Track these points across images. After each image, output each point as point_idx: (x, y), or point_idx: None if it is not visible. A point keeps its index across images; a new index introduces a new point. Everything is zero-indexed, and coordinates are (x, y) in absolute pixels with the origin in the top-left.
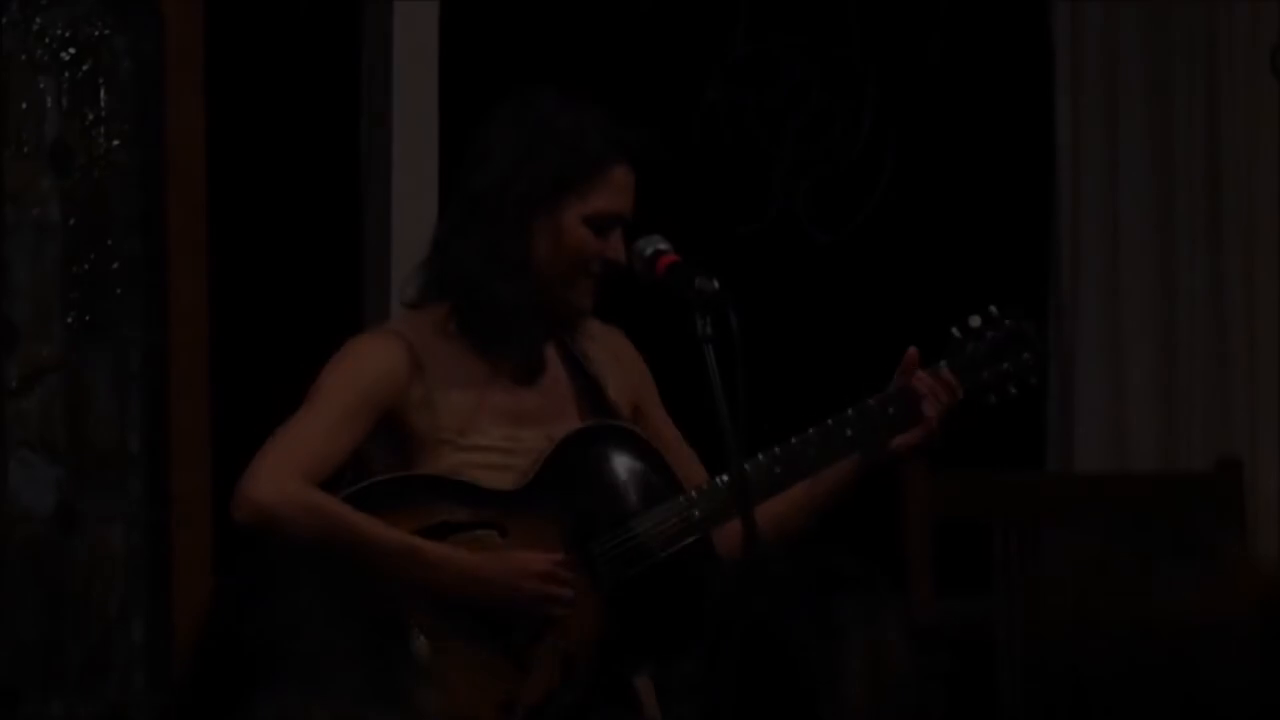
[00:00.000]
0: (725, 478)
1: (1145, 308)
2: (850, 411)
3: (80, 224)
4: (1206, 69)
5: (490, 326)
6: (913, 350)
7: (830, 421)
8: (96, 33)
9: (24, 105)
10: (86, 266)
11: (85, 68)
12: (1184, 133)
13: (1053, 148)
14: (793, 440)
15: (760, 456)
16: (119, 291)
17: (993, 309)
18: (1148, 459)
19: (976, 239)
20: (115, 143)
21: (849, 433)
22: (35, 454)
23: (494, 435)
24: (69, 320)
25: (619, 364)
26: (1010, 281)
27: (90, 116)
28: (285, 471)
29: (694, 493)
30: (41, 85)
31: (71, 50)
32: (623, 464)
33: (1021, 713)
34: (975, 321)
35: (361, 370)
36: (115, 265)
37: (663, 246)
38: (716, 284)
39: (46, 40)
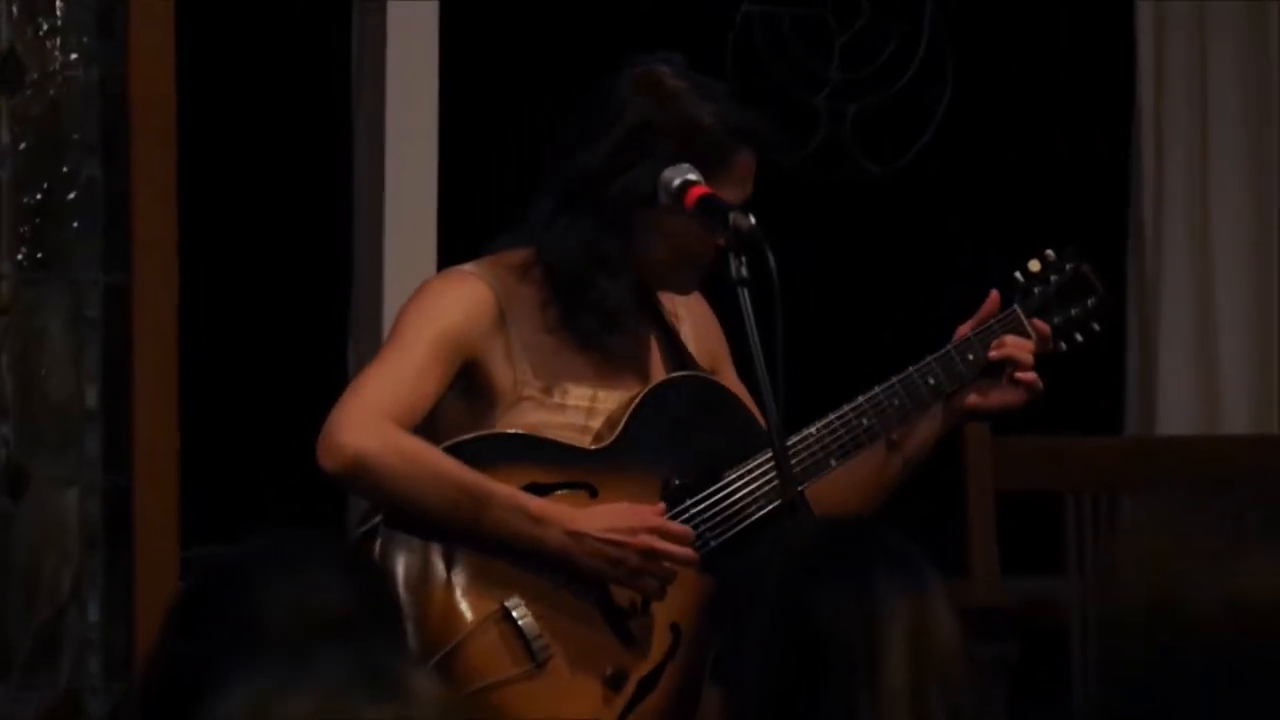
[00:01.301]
0: (816, 428)
1: (1238, 249)
2: (931, 360)
3: (32, 148)
4: None
5: (587, 319)
6: (994, 294)
7: (912, 369)
8: None
9: None
10: (39, 196)
11: None
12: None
13: (1133, 67)
14: (875, 389)
15: (846, 407)
16: (75, 225)
17: (1049, 252)
18: (1239, 421)
19: (1046, 173)
20: (73, 56)
21: (931, 382)
22: None
23: (577, 394)
24: (18, 258)
25: (698, 323)
26: (1084, 220)
27: (44, 26)
28: (378, 416)
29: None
30: None
31: None
32: (711, 417)
33: (1097, 704)
34: (1034, 265)
35: (446, 312)
36: (71, 195)
37: (693, 177)
38: (752, 220)
39: None
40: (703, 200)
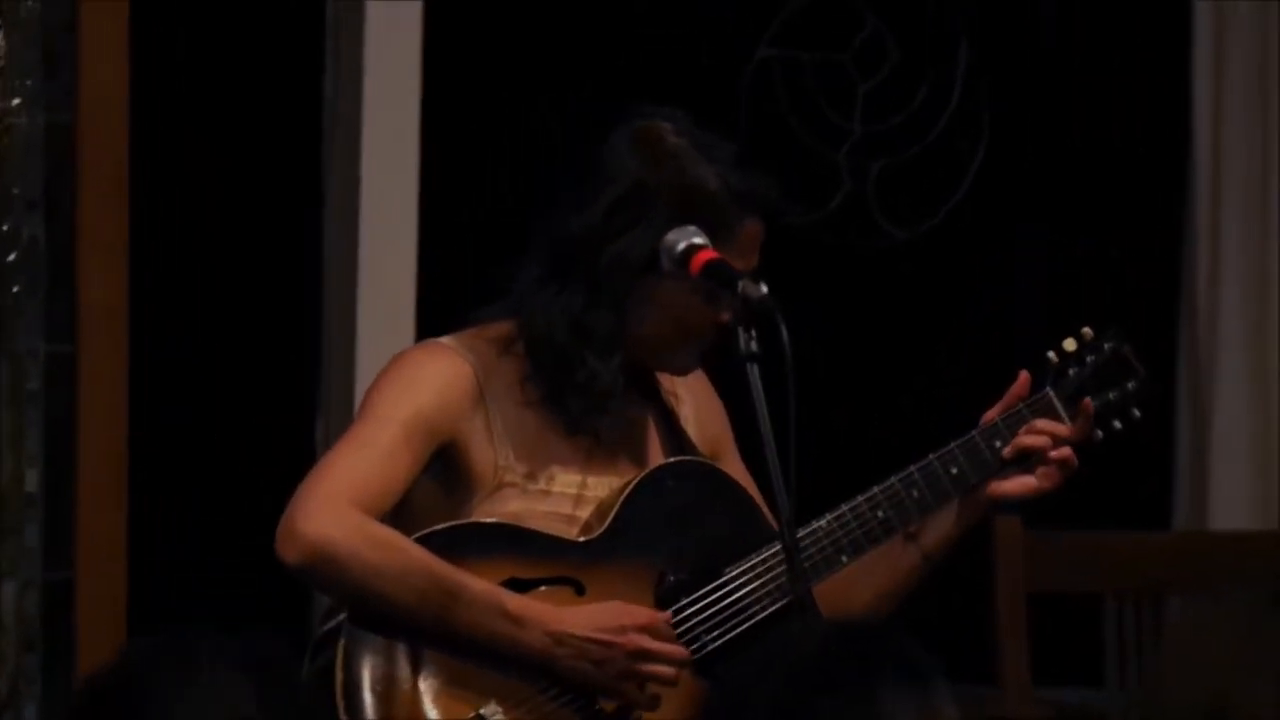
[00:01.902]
0: (826, 520)
1: None
2: (954, 446)
3: None
4: None
5: (575, 401)
6: (1025, 375)
7: (932, 457)
8: None
9: None
10: None
11: None
12: None
13: (1188, 125)
14: (892, 479)
15: (859, 498)
16: (15, 289)
17: (1087, 330)
18: None
19: (1090, 239)
20: (15, 101)
21: (954, 471)
22: None
23: (564, 480)
24: None
25: (699, 405)
26: (1132, 293)
27: None
28: (344, 502)
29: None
30: None
31: None
32: (711, 507)
33: None
34: (1069, 344)
35: (421, 389)
36: (11, 257)
37: (699, 240)
38: (764, 288)
39: None
40: (710, 266)
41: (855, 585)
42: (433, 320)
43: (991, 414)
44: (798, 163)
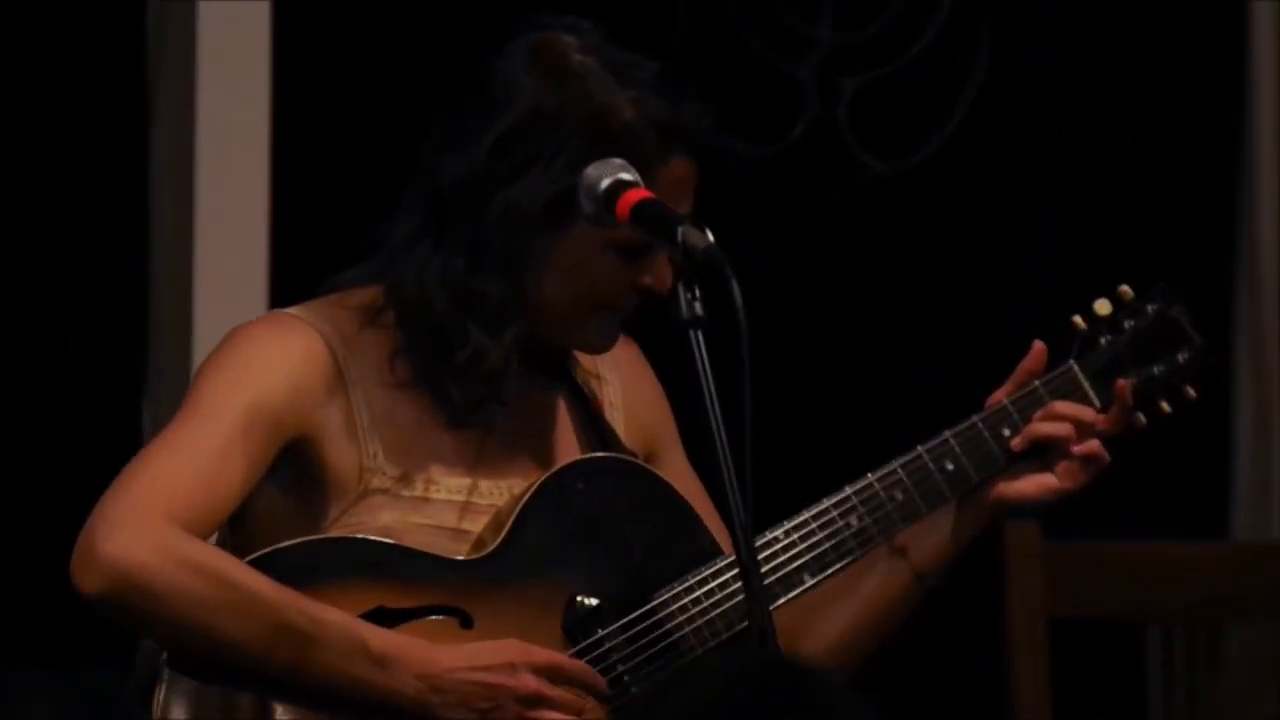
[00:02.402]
0: (784, 530)
1: None
2: (949, 436)
3: None
4: None
5: (455, 384)
6: (1039, 345)
7: (921, 449)
8: None
9: None
10: None
11: None
12: None
13: (1243, 45)
14: (869, 477)
15: (827, 502)
16: None
17: (1125, 289)
18: None
19: (1106, 175)
20: None
21: (950, 467)
22: None
23: (448, 485)
24: None
25: (630, 387)
26: (1164, 248)
27: None
28: (158, 516)
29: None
30: None
31: None
32: (637, 516)
33: None
34: (1104, 307)
35: (260, 372)
36: None
37: (627, 176)
38: (709, 236)
39: None
40: (643, 207)
41: (822, 614)
42: (286, 285)
43: (998, 395)
44: (750, 81)
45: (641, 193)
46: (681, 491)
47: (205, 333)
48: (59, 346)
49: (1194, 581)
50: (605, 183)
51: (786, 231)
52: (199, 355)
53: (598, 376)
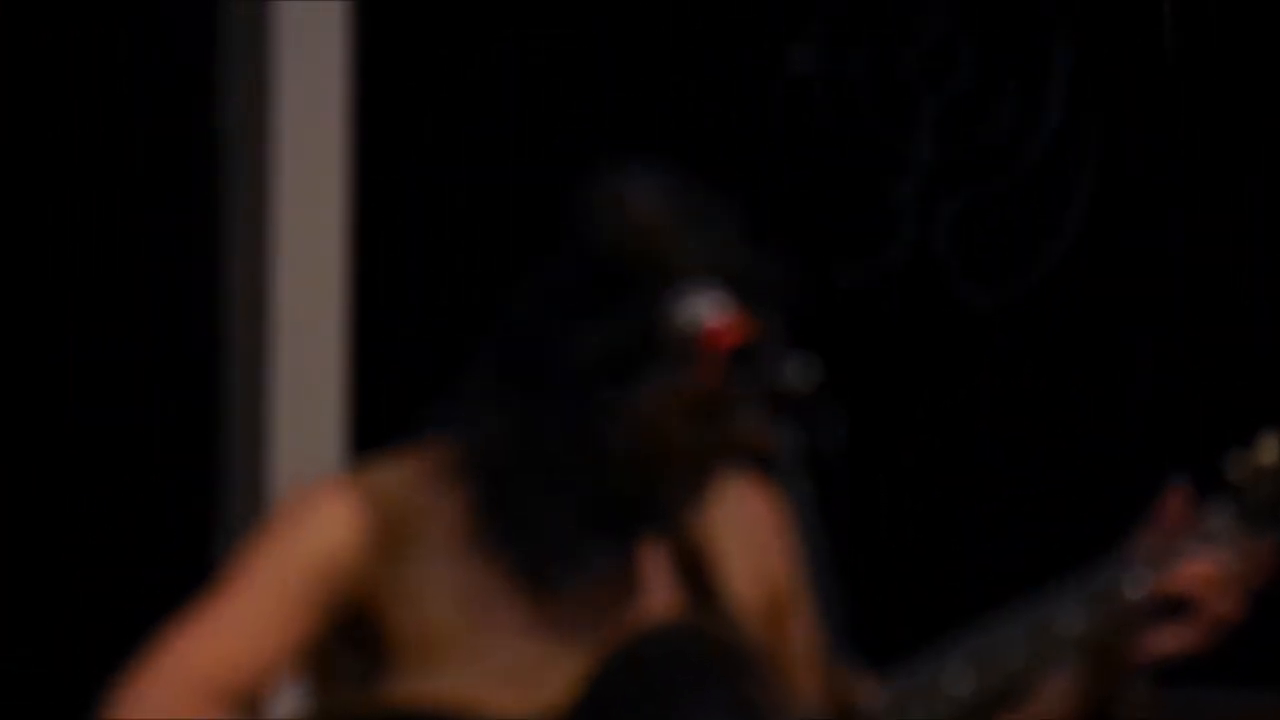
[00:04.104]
0: (895, 697)
1: None
2: (1074, 593)
3: None
4: None
5: (523, 543)
6: (1177, 491)
7: (1041, 608)
8: None
9: None
10: None
11: None
12: None
13: None
14: (984, 635)
15: (940, 660)
16: None
17: None
18: None
19: (1226, 304)
20: None
21: (1075, 628)
22: None
23: (513, 651)
24: None
25: (753, 533)
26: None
27: None
28: (185, 691)
29: None
30: None
31: None
32: (713, 685)
33: None
34: (1271, 454)
35: (309, 544)
36: None
37: (717, 316)
38: (814, 374)
39: None
40: (735, 351)
41: None
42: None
43: (1131, 544)
44: (844, 203)
45: (737, 333)
46: (798, 651)
47: (279, 340)
48: (127, 369)
49: None
50: (699, 314)
51: (885, 365)
52: (270, 363)
53: (712, 529)
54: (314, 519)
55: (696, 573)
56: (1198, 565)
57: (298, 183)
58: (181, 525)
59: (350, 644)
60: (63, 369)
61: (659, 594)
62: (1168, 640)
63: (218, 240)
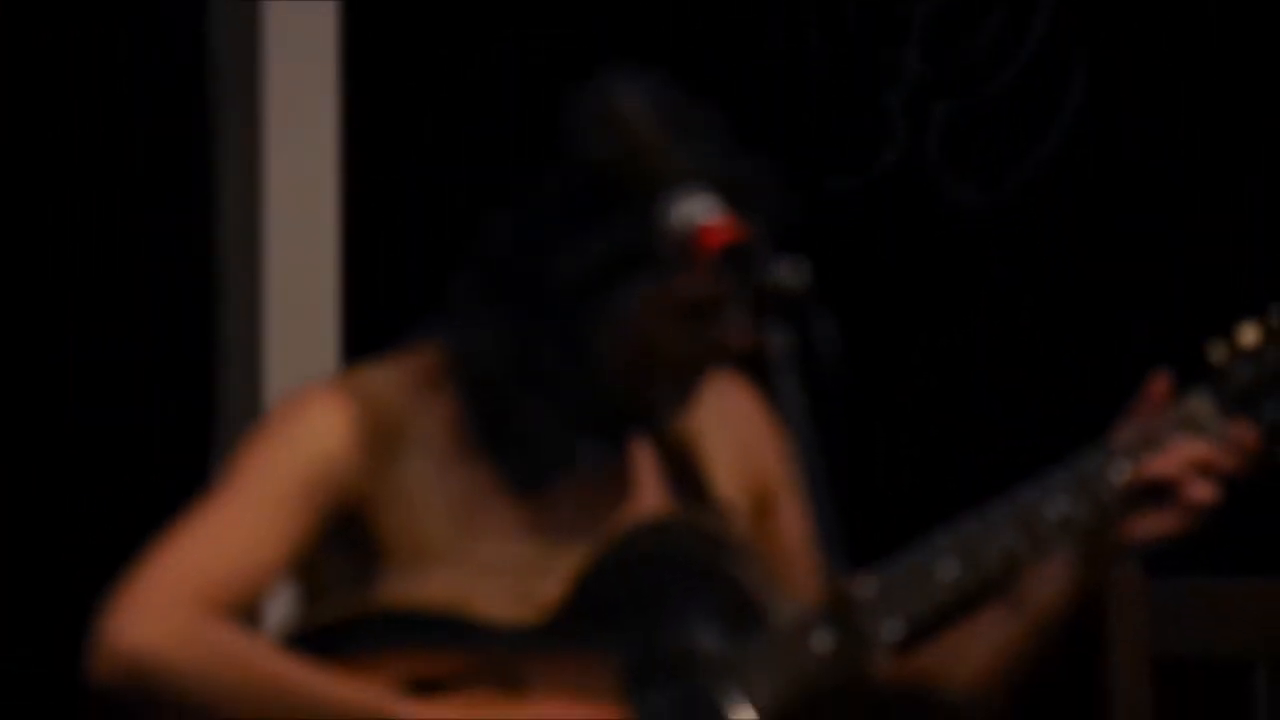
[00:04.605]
0: (880, 581)
1: None
2: (1060, 477)
3: None
4: None
5: (516, 449)
6: (1161, 378)
7: (1029, 493)
8: None
9: None
10: None
11: None
12: None
13: None
14: (972, 525)
15: (929, 548)
16: None
17: (1276, 319)
18: None
19: (1216, 203)
20: None
21: (1064, 512)
22: None
23: (505, 553)
24: None
25: (739, 431)
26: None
27: None
28: (181, 600)
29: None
30: None
31: None
32: (706, 576)
33: None
34: (1249, 336)
35: (301, 448)
36: None
37: (710, 216)
38: (805, 275)
39: None
40: (733, 247)
41: (949, 658)
42: (358, 283)
43: (1122, 430)
44: (835, 109)
45: (727, 233)
46: (789, 536)
47: (273, 327)
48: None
49: None
50: (689, 223)
51: (878, 266)
52: (265, 362)
53: (697, 428)
54: (308, 422)
55: (684, 472)
56: (1178, 451)
57: (290, 182)
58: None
59: (340, 549)
60: (57, 369)
61: (648, 495)
62: (1150, 526)
63: (212, 240)
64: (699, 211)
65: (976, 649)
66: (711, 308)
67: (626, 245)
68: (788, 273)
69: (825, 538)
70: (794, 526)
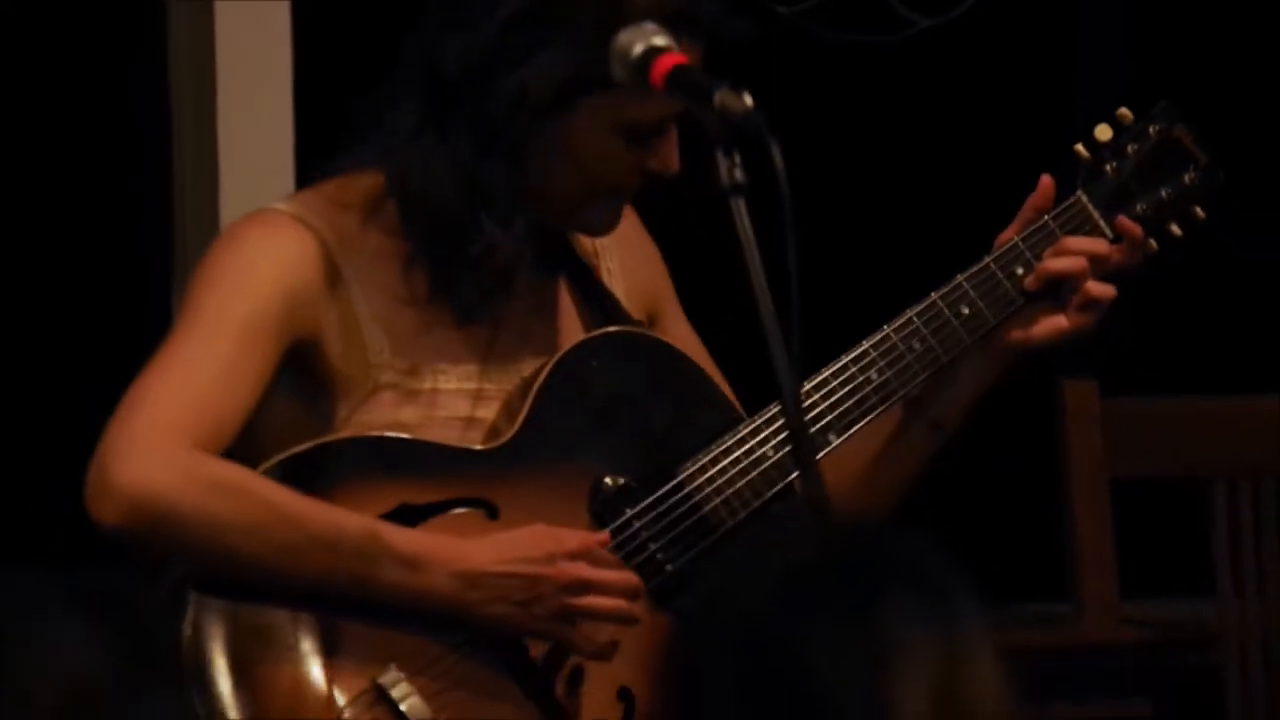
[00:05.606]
0: (806, 389)
1: None
2: (961, 280)
3: None
4: None
5: (464, 279)
6: (1046, 179)
7: (935, 295)
8: None
9: None
10: None
11: None
12: None
13: None
14: (886, 329)
15: (845, 358)
16: None
17: (1124, 111)
18: None
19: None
20: None
21: (965, 311)
22: None
23: (458, 374)
24: None
25: (628, 255)
26: (1232, 96)
27: None
28: (170, 439)
29: (762, 420)
30: None
31: None
32: (654, 389)
33: None
34: (1105, 132)
35: (254, 280)
36: None
37: (660, 41)
38: (749, 100)
39: None
40: (676, 73)
41: (844, 472)
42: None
43: (1008, 233)
44: None
45: (677, 57)
46: (688, 354)
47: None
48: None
49: (1257, 437)
50: (638, 47)
51: (824, 92)
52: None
53: (594, 248)
54: (262, 254)
55: (595, 294)
56: (1076, 246)
57: (246, 177)
58: None
59: (288, 389)
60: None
61: (575, 318)
62: (1051, 325)
63: (171, 237)
64: (648, 35)
65: (877, 455)
66: (654, 132)
67: (576, 67)
68: (736, 97)
69: (787, 347)
70: (688, 340)
